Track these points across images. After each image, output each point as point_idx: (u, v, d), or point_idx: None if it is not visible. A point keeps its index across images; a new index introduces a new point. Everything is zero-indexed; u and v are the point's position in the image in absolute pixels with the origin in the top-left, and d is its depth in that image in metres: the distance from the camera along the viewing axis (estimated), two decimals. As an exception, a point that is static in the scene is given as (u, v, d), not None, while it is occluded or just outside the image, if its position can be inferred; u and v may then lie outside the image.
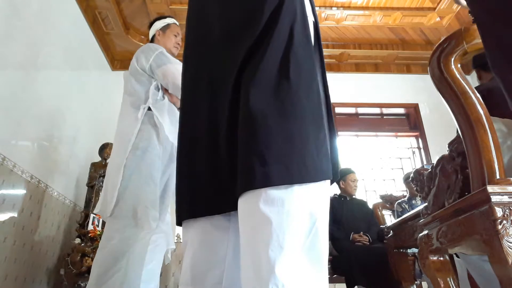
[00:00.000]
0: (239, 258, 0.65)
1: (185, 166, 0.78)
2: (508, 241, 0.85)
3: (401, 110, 5.12)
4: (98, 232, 3.28)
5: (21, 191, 2.85)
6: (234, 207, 0.67)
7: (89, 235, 3.32)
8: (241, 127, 0.66)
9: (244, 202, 0.64)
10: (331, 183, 0.74)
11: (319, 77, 0.76)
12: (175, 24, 2.21)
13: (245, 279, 0.61)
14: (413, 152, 4.89)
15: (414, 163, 4.82)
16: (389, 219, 3.39)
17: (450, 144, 1.21)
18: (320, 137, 0.68)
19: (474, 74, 1.92)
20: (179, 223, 0.78)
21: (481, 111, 1.02)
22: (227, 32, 0.77)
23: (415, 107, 4.96)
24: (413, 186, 1.54)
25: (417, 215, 1.67)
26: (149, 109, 1.89)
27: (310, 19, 0.80)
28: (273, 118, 0.65)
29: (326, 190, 0.68)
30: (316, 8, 4.21)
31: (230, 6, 0.78)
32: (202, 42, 0.83)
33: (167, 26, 2.17)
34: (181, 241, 0.80)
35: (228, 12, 0.78)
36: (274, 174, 0.61)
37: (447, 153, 1.23)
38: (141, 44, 4.34)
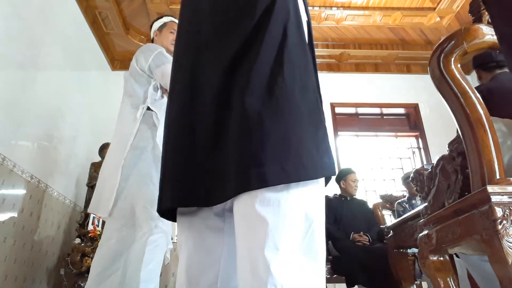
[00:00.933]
0: (234, 259, 0.65)
1: (170, 160, 0.76)
2: (508, 241, 0.85)
3: (401, 110, 5.12)
4: (98, 232, 3.28)
5: (21, 191, 2.85)
6: (210, 203, 0.67)
7: (89, 235, 3.32)
8: (235, 127, 0.65)
9: (240, 203, 0.63)
10: (328, 181, 0.73)
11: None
12: (172, 21, 2.21)
13: (242, 280, 0.61)
14: (413, 152, 4.89)
15: (414, 163, 4.82)
16: (389, 219, 3.39)
17: (450, 144, 1.21)
18: (319, 134, 0.68)
19: (474, 74, 1.92)
20: (159, 211, 0.75)
21: (481, 111, 1.02)
22: (216, 31, 0.76)
23: (415, 107, 4.96)
24: (413, 186, 1.54)
25: (417, 215, 1.67)
26: (148, 109, 1.89)
27: (303, 18, 0.79)
28: (269, 117, 0.64)
29: (321, 190, 0.68)
30: (316, 8, 4.24)
31: (220, 4, 0.78)
32: (191, 40, 0.82)
33: (163, 25, 2.18)
34: (176, 242, 0.79)
35: (219, 10, 0.78)
36: (270, 174, 0.60)
37: (447, 153, 1.23)
38: (141, 44, 4.34)
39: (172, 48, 2.13)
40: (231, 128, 0.66)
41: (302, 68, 0.71)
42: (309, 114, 0.68)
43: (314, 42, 0.85)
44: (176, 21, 2.22)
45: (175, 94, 0.80)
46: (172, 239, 1.96)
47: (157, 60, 1.91)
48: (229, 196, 0.64)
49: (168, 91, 1.94)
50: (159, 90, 1.96)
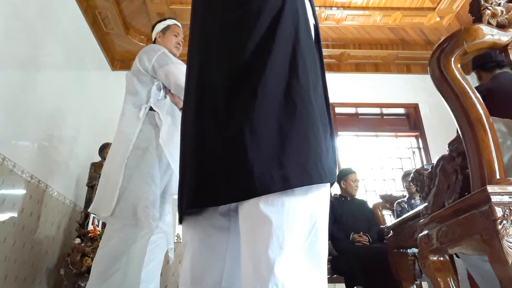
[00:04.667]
0: (238, 258, 0.65)
1: (181, 164, 0.78)
2: (508, 241, 0.85)
3: (401, 110, 5.12)
4: (98, 232, 3.28)
5: (21, 191, 2.85)
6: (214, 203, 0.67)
7: (89, 235, 3.32)
8: (251, 129, 0.64)
9: (245, 202, 0.64)
10: (331, 185, 0.73)
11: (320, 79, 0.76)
12: (176, 24, 2.22)
13: (245, 279, 0.61)
14: (413, 152, 4.89)
15: (414, 163, 4.82)
16: (389, 219, 3.39)
17: (450, 144, 1.21)
18: (327, 137, 0.69)
19: (474, 74, 1.92)
20: (180, 217, 0.76)
21: (481, 111, 1.02)
22: (225, 31, 0.76)
23: (415, 107, 4.96)
24: (413, 186, 1.55)
25: (417, 215, 1.67)
26: (151, 109, 1.90)
27: (311, 21, 0.80)
28: (286, 120, 0.64)
29: (327, 191, 0.68)
30: (316, 8, 4.23)
31: (230, 5, 0.78)
32: (200, 40, 0.82)
33: (167, 28, 2.18)
34: (181, 241, 0.79)
35: (229, 11, 0.78)
36: (293, 176, 0.61)
37: (447, 153, 1.23)
38: (141, 44, 4.35)
39: (175, 51, 2.15)
40: (246, 130, 0.64)
41: (313, 71, 0.72)
42: (320, 117, 0.68)
43: None
44: (179, 24, 2.24)
45: (189, 96, 0.80)
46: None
47: (161, 60, 1.92)
48: (243, 198, 0.63)
49: (170, 91, 1.95)
50: (162, 90, 1.97)
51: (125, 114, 1.92)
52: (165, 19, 2.26)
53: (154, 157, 1.82)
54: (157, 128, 1.86)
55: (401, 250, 2.10)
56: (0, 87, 2.60)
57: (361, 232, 2.98)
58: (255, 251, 0.60)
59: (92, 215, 3.43)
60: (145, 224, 1.68)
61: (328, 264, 2.92)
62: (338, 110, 4.93)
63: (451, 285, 1.21)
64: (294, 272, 0.58)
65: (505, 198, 0.91)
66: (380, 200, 3.42)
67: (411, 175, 1.54)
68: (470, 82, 1.09)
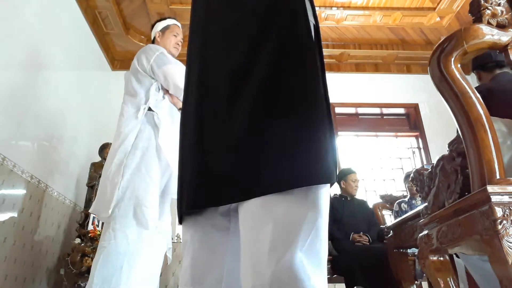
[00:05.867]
0: (239, 258, 0.65)
1: (180, 164, 0.78)
2: (508, 241, 0.85)
3: (401, 110, 5.12)
4: (98, 232, 3.28)
5: (21, 191, 2.85)
6: (217, 203, 0.68)
7: (89, 235, 3.32)
8: (247, 130, 0.65)
9: (245, 202, 0.64)
10: (331, 185, 0.74)
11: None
12: (175, 24, 2.22)
13: (244, 279, 0.61)
14: (413, 152, 4.89)
15: (414, 163, 4.82)
16: (389, 219, 3.39)
17: (450, 144, 1.21)
18: (327, 138, 0.69)
19: (474, 74, 1.92)
20: (180, 217, 0.77)
21: (481, 111, 1.02)
22: (224, 32, 0.76)
23: (415, 107, 4.96)
24: (413, 186, 1.55)
25: (417, 215, 1.67)
26: (149, 109, 1.90)
27: (311, 21, 0.80)
28: (286, 120, 0.64)
29: (327, 191, 0.68)
30: (316, 8, 4.23)
31: (230, 6, 0.78)
32: (200, 40, 0.82)
33: (167, 27, 2.18)
34: (181, 241, 0.80)
35: (228, 11, 0.78)
36: (293, 176, 0.61)
37: (447, 153, 1.23)
38: (141, 44, 4.35)
39: (174, 51, 2.15)
40: (246, 130, 0.65)
41: (313, 72, 0.72)
42: (321, 118, 0.68)
43: None
44: (179, 24, 2.24)
45: (189, 97, 0.80)
46: (172, 239, 1.96)
47: (159, 61, 1.91)
48: (244, 198, 0.63)
49: (169, 91, 1.95)
50: (160, 91, 1.96)
51: (123, 115, 1.92)
52: (165, 19, 2.25)
53: (153, 157, 1.82)
54: (156, 129, 1.86)
55: (401, 250, 2.10)
56: (0, 87, 2.60)
57: (361, 232, 2.98)
58: (255, 251, 0.60)
59: (92, 215, 3.43)
60: (145, 225, 1.68)
61: (328, 264, 2.91)
62: (338, 110, 4.93)
63: (451, 285, 1.22)
64: (294, 271, 0.58)
65: (505, 198, 0.91)
66: (380, 200, 3.43)
67: (411, 175, 1.55)
68: (470, 82, 1.09)
